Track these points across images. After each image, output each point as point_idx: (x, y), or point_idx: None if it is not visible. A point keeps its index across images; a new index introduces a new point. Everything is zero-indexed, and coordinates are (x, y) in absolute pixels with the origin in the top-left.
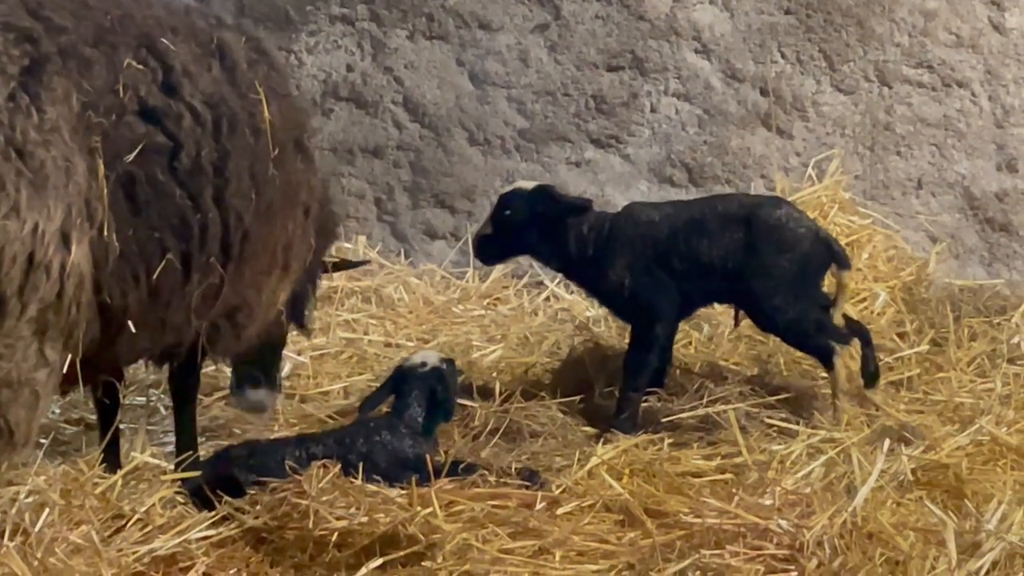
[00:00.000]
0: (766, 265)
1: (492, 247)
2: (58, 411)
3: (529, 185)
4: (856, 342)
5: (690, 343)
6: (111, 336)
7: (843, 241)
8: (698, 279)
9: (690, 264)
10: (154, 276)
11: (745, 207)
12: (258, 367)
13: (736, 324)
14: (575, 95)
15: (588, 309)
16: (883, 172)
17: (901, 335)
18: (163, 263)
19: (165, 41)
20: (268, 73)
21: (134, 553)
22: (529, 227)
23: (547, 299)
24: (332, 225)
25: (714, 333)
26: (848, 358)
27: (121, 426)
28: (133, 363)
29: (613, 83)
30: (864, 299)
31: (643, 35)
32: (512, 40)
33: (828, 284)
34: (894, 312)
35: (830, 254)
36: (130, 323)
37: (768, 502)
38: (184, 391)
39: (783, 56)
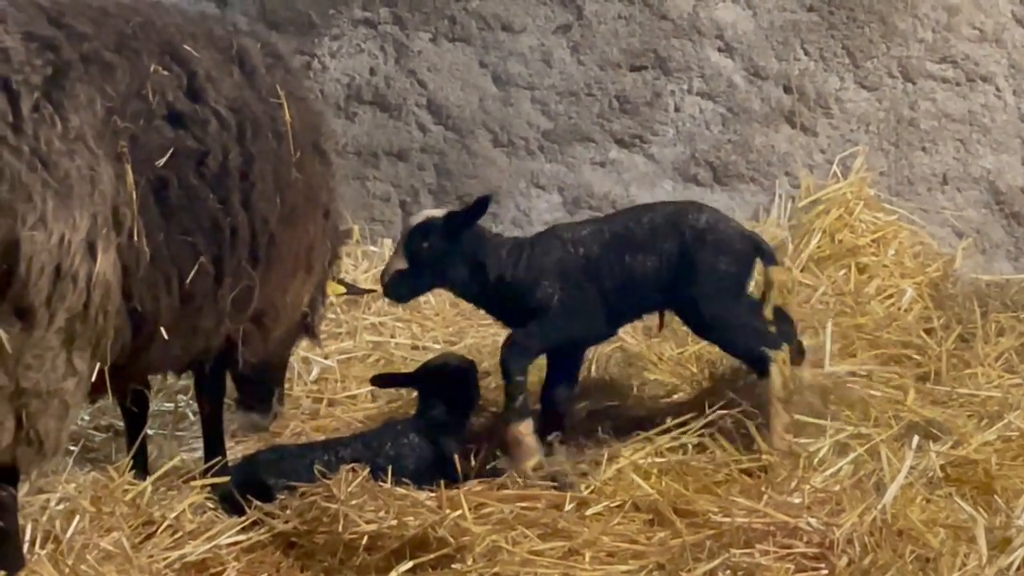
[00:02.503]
0: (704, 271)
1: (406, 283)
2: (87, 418)
3: (439, 213)
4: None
5: None
6: (142, 343)
7: (869, 238)
8: (632, 294)
9: (623, 280)
10: (187, 281)
11: (670, 215)
12: (257, 393)
13: (660, 328)
14: (598, 95)
15: None
16: (908, 168)
17: (928, 331)
18: (196, 267)
19: (187, 47)
20: (285, 77)
21: (165, 559)
22: (447, 256)
23: None
24: (342, 228)
25: None
26: (782, 363)
27: (150, 432)
28: (163, 372)
29: (636, 83)
30: (891, 295)
31: (666, 34)
32: (535, 41)
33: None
34: (921, 308)
35: (757, 251)
36: (162, 329)
37: (797, 500)
38: (211, 397)
39: (806, 53)
